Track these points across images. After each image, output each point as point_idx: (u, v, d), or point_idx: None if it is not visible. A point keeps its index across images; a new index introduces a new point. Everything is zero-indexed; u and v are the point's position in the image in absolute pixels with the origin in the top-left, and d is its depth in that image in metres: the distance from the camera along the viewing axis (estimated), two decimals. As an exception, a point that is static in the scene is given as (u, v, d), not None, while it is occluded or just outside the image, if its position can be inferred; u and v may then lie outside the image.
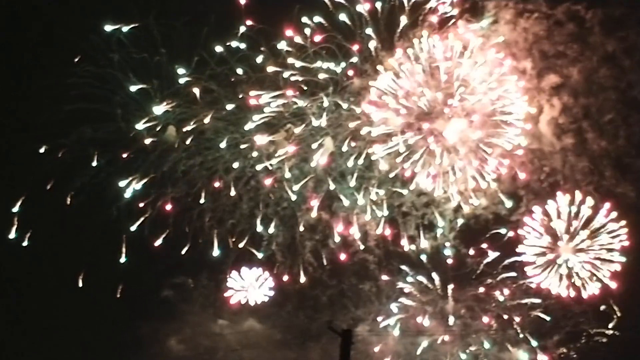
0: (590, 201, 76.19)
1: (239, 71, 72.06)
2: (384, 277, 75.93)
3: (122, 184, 73.14)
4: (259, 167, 73.78)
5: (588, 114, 73.74)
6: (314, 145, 73.21)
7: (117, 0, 72.43)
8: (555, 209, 78.06)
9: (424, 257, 75.29)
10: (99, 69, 71.50)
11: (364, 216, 74.35)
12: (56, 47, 71.84)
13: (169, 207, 74.05)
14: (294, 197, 74.24)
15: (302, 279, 75.75)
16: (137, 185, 73.24)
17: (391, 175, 73.55)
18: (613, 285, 76.58)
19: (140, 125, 72.68)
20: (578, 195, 76.11)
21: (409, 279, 75.54)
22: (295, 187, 74.08)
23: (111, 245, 73.77)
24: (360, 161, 73.29)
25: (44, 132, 71.71)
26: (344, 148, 73.16)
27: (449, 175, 73.31)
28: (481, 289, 75.62)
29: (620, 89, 73.14)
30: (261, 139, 73.13)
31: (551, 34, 72.82)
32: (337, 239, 74.97)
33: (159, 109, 72.67)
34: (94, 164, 72.78)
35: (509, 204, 74.90)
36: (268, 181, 74.14)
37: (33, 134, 71.81)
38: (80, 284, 74.13)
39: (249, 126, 72.94)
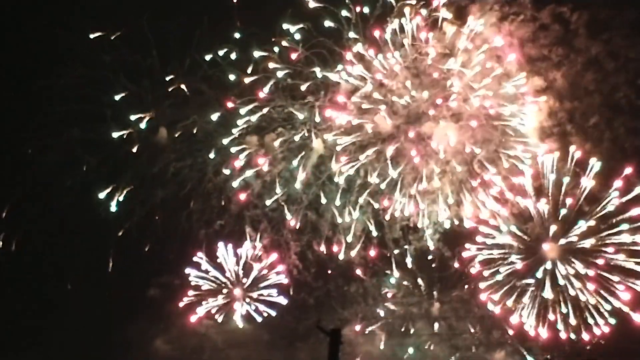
0: (596, 165, 64.86)
1: (232, 77, 72.79)
2: (370, 280, 75.98)
3: (102, 195, 73.81)
4: (235, 183, 74.52)
5: (573, 118, 71.47)
6: (303, 151, 73.89)
7: (110, 2, 72.81)
8: (530, 178, 66.19)
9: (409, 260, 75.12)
10: (91, 70, 72.03)
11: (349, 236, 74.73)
12: (48, 49, 72.18)
13: (158, 208, 74.62)
14: (289, 216, 74.88)
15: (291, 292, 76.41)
16: (121, 197, 73.83)
17: (360, 198, 73.76)
18: (638, 317, 63.56)
19: (115, 134, 73.34)
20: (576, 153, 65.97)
21: (395, 281, 75.63)
22: (270, 201, 74.79)
23: (99, 247, 74.27)
24: (340, 180, 73.61)
25: (33, 135, 72.35)
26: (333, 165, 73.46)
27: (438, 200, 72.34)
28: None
29: (605, 92, 70.76)
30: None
31: (536, 37, 71.35)
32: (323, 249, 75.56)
33: (136, 118, 73.57)
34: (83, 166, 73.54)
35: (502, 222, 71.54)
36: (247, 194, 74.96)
37: (22, 136, 72.37)
38: (69, 286, 74.84)
39: (226, 140, 73.60)
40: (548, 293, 66.66)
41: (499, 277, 69.21)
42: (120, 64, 72.08)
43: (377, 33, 71.83)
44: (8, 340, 73.07)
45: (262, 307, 75.82)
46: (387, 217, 73.52)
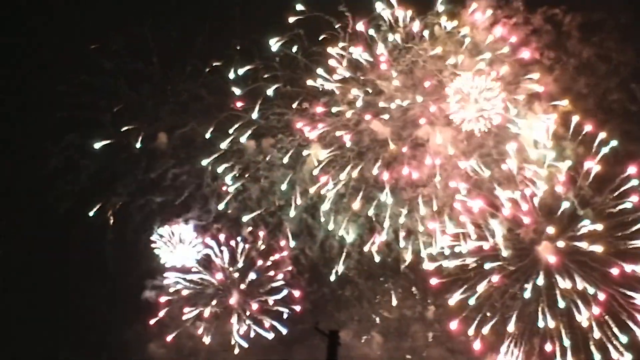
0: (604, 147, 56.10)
1: (231, 81, 73.51)
2: (365, 283, 75.72)
3: (91, 213, 74.71)
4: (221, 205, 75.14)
5: (567, 121, 68.29)
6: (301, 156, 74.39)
7: (111, 9, 73.55)
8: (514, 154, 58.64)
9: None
10: (92, 77, 72.78)
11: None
12: (49, 55, 72.83)
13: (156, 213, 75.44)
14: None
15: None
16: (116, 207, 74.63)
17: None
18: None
19: (97, 145, 74.12)
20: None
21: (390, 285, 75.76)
22: (246, 218, 75.30)
23: (96, 250, 74.88)
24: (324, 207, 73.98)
25: (32, 140, 73.29)
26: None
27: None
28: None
29: (598, 96, 68.90)
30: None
31: (529, 40, 70.83)
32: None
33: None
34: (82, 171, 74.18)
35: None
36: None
37: (21, 142, 73.05)
38: (65, 290, 74.95)
39: (205, 161, 74.31)
40: (545, 319, 57.01)
41: (471, 301, 63.95)
42: (121, 71, 73.23)
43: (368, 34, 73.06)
44: (4, 342, 73.55)
45: (264, 320, 75.55)
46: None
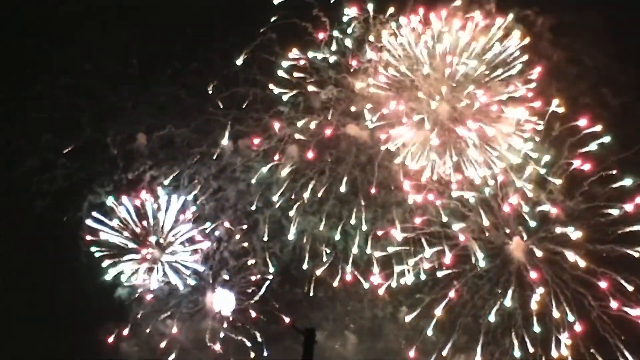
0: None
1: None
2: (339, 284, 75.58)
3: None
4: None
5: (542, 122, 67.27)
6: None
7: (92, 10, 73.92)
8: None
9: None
10: (72, 79, 73.21)
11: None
12: (29, 57, 73.02)
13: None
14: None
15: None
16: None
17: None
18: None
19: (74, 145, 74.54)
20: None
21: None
22: (208, 229, 75.73)
23: (69, 249, 75.07)
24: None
25: (12, 141, 73.54)
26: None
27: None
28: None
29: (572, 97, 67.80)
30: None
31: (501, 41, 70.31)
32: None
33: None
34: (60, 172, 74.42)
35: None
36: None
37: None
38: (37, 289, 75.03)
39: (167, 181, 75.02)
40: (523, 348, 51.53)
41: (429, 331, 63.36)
42: (100, 71, 73.46)
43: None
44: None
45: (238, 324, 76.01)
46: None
